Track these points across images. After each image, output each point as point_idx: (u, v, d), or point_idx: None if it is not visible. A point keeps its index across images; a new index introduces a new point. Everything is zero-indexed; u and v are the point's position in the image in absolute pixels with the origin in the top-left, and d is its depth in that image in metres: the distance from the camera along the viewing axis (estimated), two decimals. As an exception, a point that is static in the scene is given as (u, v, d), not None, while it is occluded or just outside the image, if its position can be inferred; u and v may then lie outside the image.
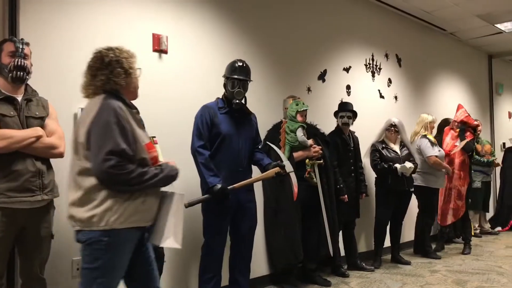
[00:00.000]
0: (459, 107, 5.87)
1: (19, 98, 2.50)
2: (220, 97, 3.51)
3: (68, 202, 2.14)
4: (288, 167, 3.32)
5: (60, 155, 2.58)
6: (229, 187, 3.16)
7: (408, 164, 4.81)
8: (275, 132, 4.13)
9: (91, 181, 2.04)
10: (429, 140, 5.35)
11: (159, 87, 3.56)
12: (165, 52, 3.65)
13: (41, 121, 2.54)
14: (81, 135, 2.06)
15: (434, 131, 6.28)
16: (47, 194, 2.51)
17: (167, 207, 2.19)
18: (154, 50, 3.59)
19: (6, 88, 2.48)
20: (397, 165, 4.81)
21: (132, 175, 2.02)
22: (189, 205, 3.05)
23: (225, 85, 3.48)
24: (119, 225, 2.04)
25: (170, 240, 2.14)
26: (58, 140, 2.56)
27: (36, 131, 2.47)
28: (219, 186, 3.14)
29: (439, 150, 5.37)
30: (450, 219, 5.68)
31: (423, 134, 5.42)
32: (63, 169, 2.90)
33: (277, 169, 3.29)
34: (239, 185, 3.22)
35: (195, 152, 3.24)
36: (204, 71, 3.91)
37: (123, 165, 2.01)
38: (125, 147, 2.02)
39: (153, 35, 3.59)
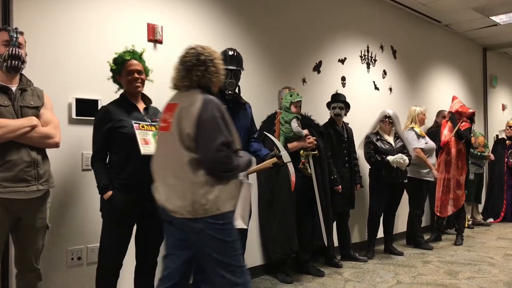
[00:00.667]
0: (454, 98, 5.91)
1: (14, 88, 2.48)
2: None
3: (166, 193, 2.29)
4: (286, 157, 3.29)
5: (56, 145, 2.57)
6: None
7: (403, 158, 4.83)
8: (270, 123, 4.14)
9: (200, 171, 2.20)
10: (416, 132, 5.39)
11: (154, 78, 3.53)
12: (160, 42, 3.64)
13: (36, 110, 2.52)
14: (187, 127, 2.21)
15: (430, 122, 6.34)
16: (43, 185, 2.49)
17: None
18: (149, 40, 3.58)
19: (1, 78, 2.47)
20: (390, 158, 4.84)
21: (235, 164, 2.26)
22: None
23: None
24: (228, 208, 2.26)
25: (239, 221, 2.35)
26: (53, 129, 2.54)
27: (31, 120, 2.45)
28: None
29: (426, 143, 5.40)
30: (451, 210, 5.72)
31: (411, 126, 5.46)
32: (58, 160, 2.92)
33: (274, 159, 3.26)
34: (252, 171, 3.19)
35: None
36: (199, 61, 3.89)
37: (230, 155, 2.24)
38: (231, 140, 2.27)
39: (148, 25, 3.57)
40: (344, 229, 4.90)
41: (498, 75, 9.07)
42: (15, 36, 2.48)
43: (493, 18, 6.94)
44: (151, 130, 2.77)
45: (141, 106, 2.91)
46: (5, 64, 2.45)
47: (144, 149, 2.68)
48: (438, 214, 5.79)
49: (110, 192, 2.71)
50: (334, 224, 4.81)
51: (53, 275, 3.01)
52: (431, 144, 5.51)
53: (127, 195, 2.72)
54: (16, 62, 2.46)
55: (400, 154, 4.86)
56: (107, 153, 2.81)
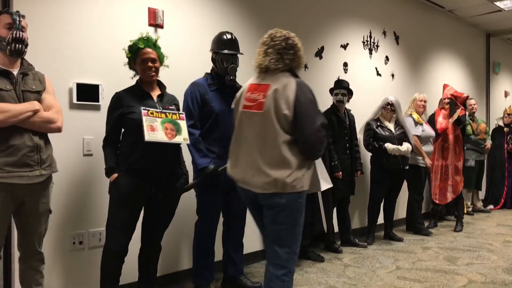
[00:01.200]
0: (445, 86, 5.89)
1: (15, 72, 2.47)
2: (209, 72, 3.43)
3: (251, 171, 2.40)
4: None
5: (58, 130, 2.55)
6: (221, 168, 3.13)
7: (399, 149, 4.85)
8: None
9: (294, 150, 2.35)
10: (413, 119, 5.37)
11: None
12: (161, 26, 3.62)
13: (37, 95, 2.49)
14: (284, 107, 2.32)
15: (432, 109, 6.31)
16: (45, 169, 2.48)
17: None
18: (150, 25, 3.55)
19: (2, 62, 2.45)
20: (389, 146, 4.84)
21: (325, 144, 2.46)
22: (184, 190, 3.10)
23: (214, 60, 3.39)
24: (307, 187, 2.41)
25: (324, 184, 2.59)
26: (56, 114, 2.52)
27: (33, 105, 2.43)
28: (211, 167, 3.15)
29: (422, 130, 5.38)
30: (450, 197, 5.74)
31: (409, 113, 5.45)
32: (59, 145, 2.92)
33: None
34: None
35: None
36: (200, 46, 3.87)
37: (326, 135, 2.43)
38: (326, 122, 2.46)
39: (149, 9, 3.55)
40: (344, 215, 4.92)
41: (501, 61, 9.01)
42: (18, 19, 2.46)
43: (497, 3, 6.87)
44: (160, 118, 2.79)
45: (155, 93, 2.93)
46: (8, 47, 2.42)
47: (149, 136, 2.70)
48: (436, 201, 5.81)
49: (115, 175, 2.78)
50: (335, 210, 4.84)
51: (56, 259, 3.04)
52: (429, 131, 5.49)
53: (132, 179, 2.77)
54: (20, 46, 2.44)
55: (397, 146, 4.87)
56: (118, 138, 2.87)
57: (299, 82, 2.39)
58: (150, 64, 2.86)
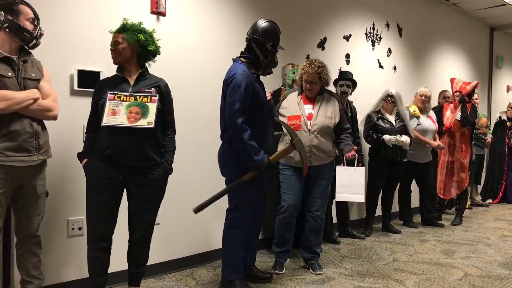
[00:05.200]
0: (452, 80, 5.82)
1: (15, 58, 2.49)
2: (241, 60, 3.19)
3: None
4: (299, 145, 3.24)
5: (54, 118, 2.62)
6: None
7: (397, 139, 4.86)
8: (275, 99, 4.12)
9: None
10: (408, 112, 5.35)
11: (157, 51, 3.52)
12: (163, 14, 3.60)
13: (36, 83, 2.55)
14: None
15: (432, 103, 6.28)
16: (42, 155, 2.56)
17: None
18: (152, 12, 3.54)
19: (2, 49, 2.46)
20: (386, 136, 4.84)
21: None
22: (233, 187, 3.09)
23: (264, 50, 3.18)
24: None
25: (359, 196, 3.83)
26: (53, 102, 2.60)
27: (34, 93, 2.49)
28: (266, 159, 3.05)
29: (418, 124, 5.33)
30: (454, 192, 5.74)
31: (406, 106, 5.42)
32: (59, 131, 2.94)
33: (290, 146, 3.27)
34: (275, 158, 3.18)
35: (238, 128, 2.95)
36: (203, 35, 3.87)
37: None
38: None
39: (152, -4, 3.53)
40: (343, 207, 4.94)
41: (505, 56, 8.98)
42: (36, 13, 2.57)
43: (502, -3, 6.84)
44: (128, 101, 2.67)
45: (134, 77, 2.81)
46: (34, 41, 2.54)
47: (108, 120, 2.62)
48: (441, 196, 5.82)
49: (84, 160, 2.75)
50: (334, 201, 4.85)
51: (54, 244, 3.06)
52: (426, 125, 5.40)
53: (99, 163, 2.69)
54: (40, 42, 2.59)
55: (394, 137, 4.87)
56: (98, 125, 2.72)
57: None
58: (111, 47, 2.77)
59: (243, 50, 3.26)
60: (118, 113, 2.64)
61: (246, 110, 3.00)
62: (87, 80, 3.14)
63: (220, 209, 3.41)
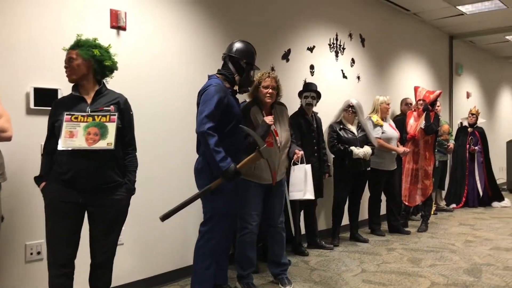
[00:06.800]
0: (416, 89, 5.92)
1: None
2: (216, 76, 3.27)
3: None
4: (265, 153, 3.19)
5: (9, 139, 2.51)
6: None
7: (366, 149, 4.92)
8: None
9: None
10: (372, 122, 5.42)
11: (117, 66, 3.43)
12: (124, 29, 3.52)
13: (-13, 104, 2.42)
14: None
15: (397, 110, 6.40)
16: None
17: None
18: (112, 27, 3.45)
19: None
20: (354, 149, 4.88)
21: None
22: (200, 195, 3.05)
23: (239, 68, 3.31)
24: None
25: (308, 194, 3.90)
26: (6, 123, 2.49)
27: None
28: (232, 166, 3.01)
29: (383, 132, 5.41)
30: (419, 199, 5.84)
31: (369, 115, 5.49)
32: (15, 151, 2.81)
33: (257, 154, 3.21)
34: (242, 166, 3.13)
35: (204, 134, 2.97)
36: (164, 50, 3.80)
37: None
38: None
39: (111, 10, 3.44)
40: (312, 218, 4.94)
41: (464, 63, 9.24)
42: None
43: (460, 7, 7.04)
44: (86, 122, 2.56)
45: (91, 95, 2.69)
46: None
47: (65, 143, 2.49)
48: (406, 203, 5.90)
49: (42, 183, 2.62)
50: (302, 212, 4.85)
51: (11, 270, 2.93)
52: (390, 133, 5.48)
53: (57, 186, 2.56)
54: None
55: (366, 146, 4.95)
56: (55, 147, 2.59)
57: None
58: (65, 64, 2.66)
59: (220, 68, 3.37)
60: (75, 135, 2.52)
61: (215, 118, 3.02)
62: (44, 98, 3.02)
63: (189, 226, 3.35)
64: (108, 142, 2.55)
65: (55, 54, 3.08)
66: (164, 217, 2.95)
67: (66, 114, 2.55)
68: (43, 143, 2.94)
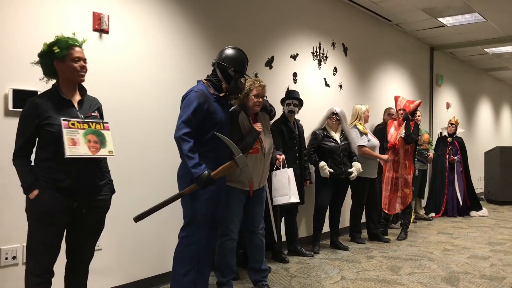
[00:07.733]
0: (396, 98, 5.99)
1: None
2: (202, 81, 3.28)
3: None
4: (242, 162, 3.14)
5: None
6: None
7: (356, 166, 5.11)
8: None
9: None
10: (359, 130, 5.48)
11: (99, 69, 3.40)
12: (106, 32, 3.49)
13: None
14: None
15: (377, 119, 6.47)
16: None
17: None
18: (94, 30, 3.43)
19: None
20: (322, 166, 4.98)
21: None
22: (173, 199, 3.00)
23: (227, 75, 3.27)
24: None
25: (292, 197, 3.92)
26: None
27: None
28: (206, 173, 2.97)
29: (368, 140, 5.48)
30: (398, 207, 5.89)
31: (354, 124, 5.54)
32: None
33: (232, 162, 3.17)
34: (217, 173, 3.08)
35: (179, 140, 2.97)
36: (148, 53, 3.78)
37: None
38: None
39: (94, 13, 3.42)
40: (292, 225, 4.94)
41: (444, 74, 9.40)
42: None
43: (441, 19, 7.17)
44: (83, 129, 2.50)
45: (76, 98, 2.62)
46: None
47: (71, 151, 2.42)
48: (386, 211, 5.95)
49: (36, 192, 2.45)
50: (282, 219, 4.85)
51: (-15, 276, 2.86)
52: (374, 141, 5.57)
53: (55, 194, 2.47)
54: None
55: (354, 168, 5.11)
56: (32, 150, 2.54)
57: None
58: (83, 63, 2.58)
59: (209, 73, 3.35)
60: (78, 143, 2.45)
61: (192, 124, 3.02)
62: (23, 100, 2.93)
63: (168, 231, 3.32)
64: (109, 150, 2.59)
65: (35, 56, 3.00)
66: (137, 218, 2.94)
67: (64, 120, 2.45)
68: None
